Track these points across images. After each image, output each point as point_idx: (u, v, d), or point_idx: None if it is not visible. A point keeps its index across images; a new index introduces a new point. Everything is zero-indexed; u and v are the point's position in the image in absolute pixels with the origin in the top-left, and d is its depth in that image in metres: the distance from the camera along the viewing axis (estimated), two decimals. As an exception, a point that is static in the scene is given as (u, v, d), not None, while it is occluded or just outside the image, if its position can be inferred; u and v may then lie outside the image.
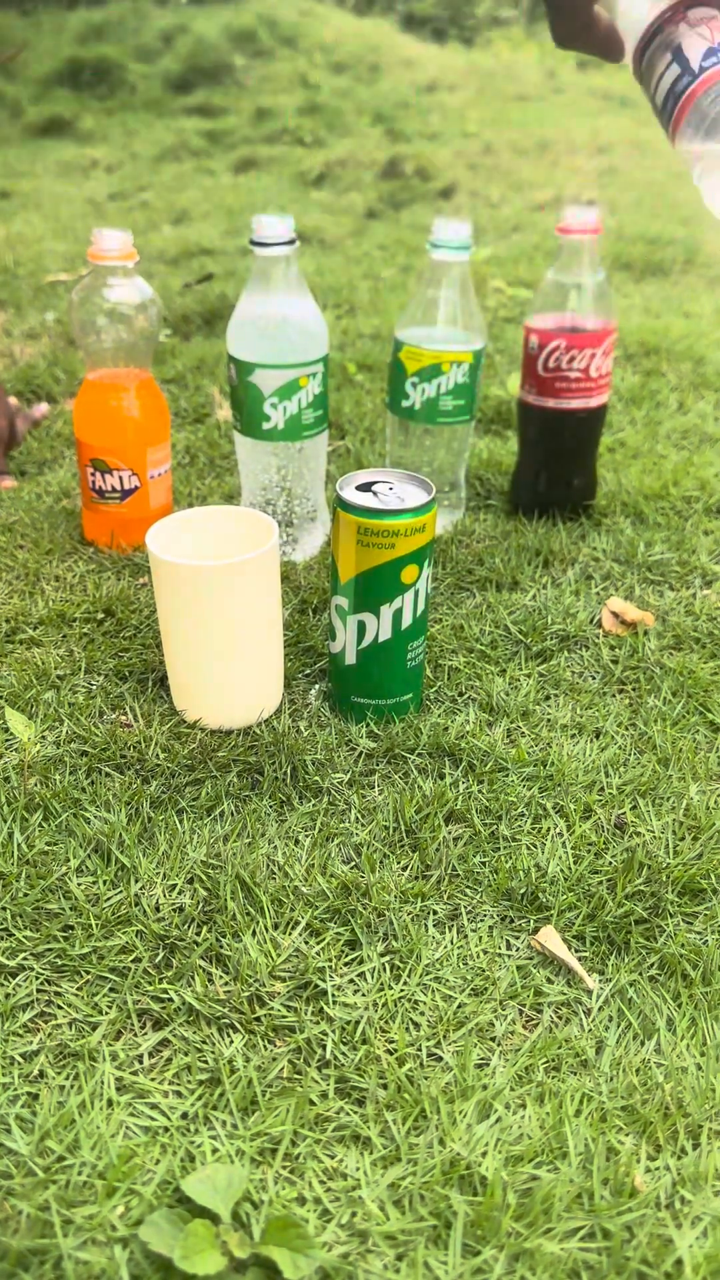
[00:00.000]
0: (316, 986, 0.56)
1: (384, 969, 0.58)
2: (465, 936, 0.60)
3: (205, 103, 4.10)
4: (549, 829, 0.68)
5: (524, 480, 1.06)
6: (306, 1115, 0.50)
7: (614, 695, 0.81)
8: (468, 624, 0.88)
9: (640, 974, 0.58)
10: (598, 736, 0.77)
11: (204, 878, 0.62)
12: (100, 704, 0.77)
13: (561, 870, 0.64)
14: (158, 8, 5.24)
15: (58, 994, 0.56)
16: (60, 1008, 0.55)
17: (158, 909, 0.60)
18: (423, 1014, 0.55)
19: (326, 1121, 0.50)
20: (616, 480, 1.13)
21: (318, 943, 0.59)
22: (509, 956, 0.59)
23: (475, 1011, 0.56)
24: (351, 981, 0.57)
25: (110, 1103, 0.50)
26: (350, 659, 0.74)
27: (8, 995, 0.55)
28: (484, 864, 0.65)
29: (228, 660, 0.72)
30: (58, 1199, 0.46)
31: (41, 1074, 0.52)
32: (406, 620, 0.72)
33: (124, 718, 0.76)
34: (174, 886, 0.62)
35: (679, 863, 0.65)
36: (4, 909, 0.60)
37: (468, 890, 0.63)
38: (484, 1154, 0.48)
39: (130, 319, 0.92)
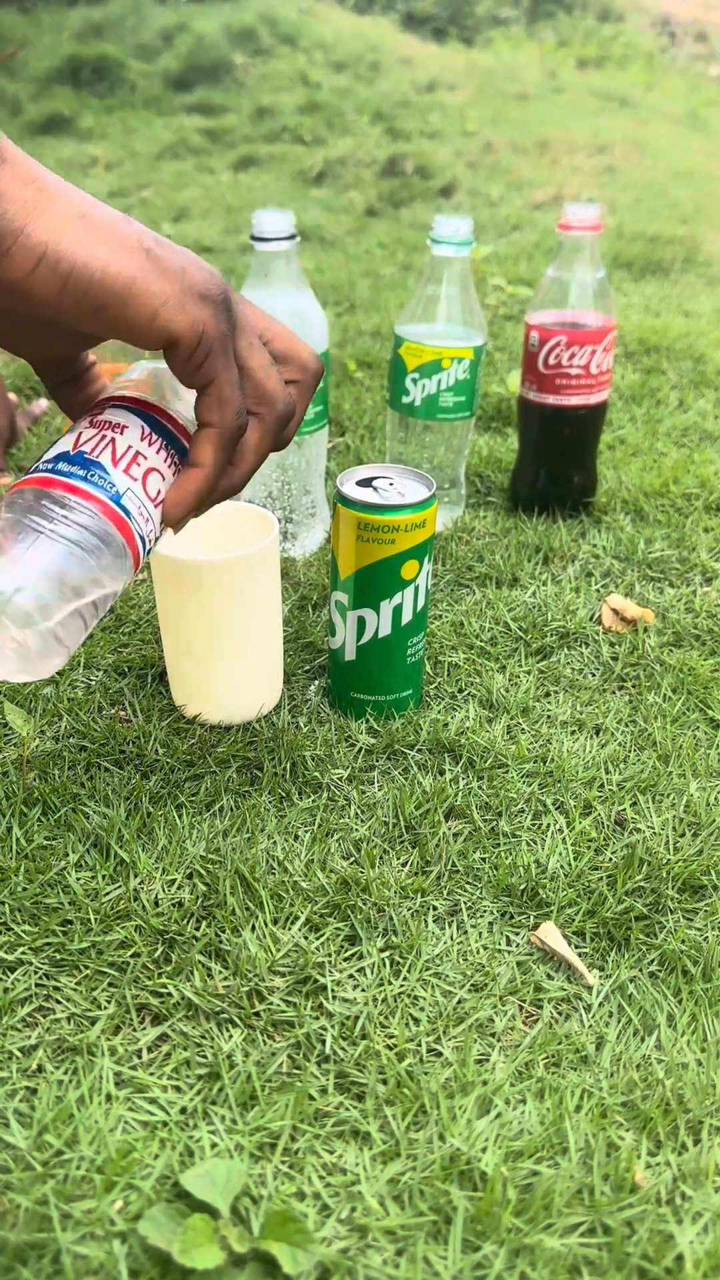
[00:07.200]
0: (316, 981, 0.56)
1: (383, 964, 0.58)
2: (465, 932, 0.60)
3: (205, 101, 4.10)
4: (549, 825, 0.67)
5: (524, 477, 1.06)
6: (306, 1110, 0.50)
7: (614, 692, 0.81)
8: (468, 620, 0.88)
9: (640, 970, 0.58)
10: (598, 733, 0.76)
11: (203, 873, 0.62)
12: (99, 699, 0.77)
13: (561, 866, 0.64)
14: (158, 6, 5.24)
15: (56, 988, 0.56)
16: (59, 1002, 0.55)
17: (157, 904, 0.60)
18: (422, 1009, 0.55)
19: (326, 1116, 0.50)
20: (617, 477, 1.13)
21: (317, 938, 0.59)
22: (509, 952, 0.59)
23: (475, 1007, 0.55)
24: (351, 977, 0.57)
25: (109, 1097, 0.50)
26: (350, 655, 0.74)
27: (6, 990, 0.55)
28: (484, 860, 0.65)
29: (227, 656, 0.72)
30: (56, 1193, 0.46)
31: (40, 1068, 0.52)
32: (406, 616, 0.72)
33: (123, 713, 0.76)
34: (173, 881, 0.62)
35: (679, 859, 0.65)
36: (2, 903, 0.60)
37: (467, 886, 0.63)
38: (484, 1149, 0.48)
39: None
